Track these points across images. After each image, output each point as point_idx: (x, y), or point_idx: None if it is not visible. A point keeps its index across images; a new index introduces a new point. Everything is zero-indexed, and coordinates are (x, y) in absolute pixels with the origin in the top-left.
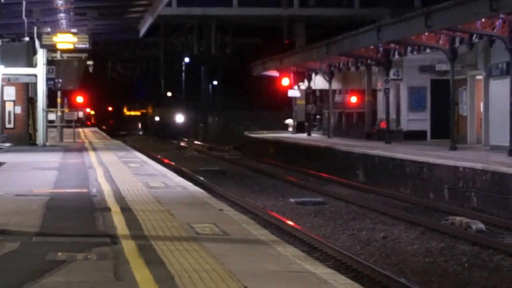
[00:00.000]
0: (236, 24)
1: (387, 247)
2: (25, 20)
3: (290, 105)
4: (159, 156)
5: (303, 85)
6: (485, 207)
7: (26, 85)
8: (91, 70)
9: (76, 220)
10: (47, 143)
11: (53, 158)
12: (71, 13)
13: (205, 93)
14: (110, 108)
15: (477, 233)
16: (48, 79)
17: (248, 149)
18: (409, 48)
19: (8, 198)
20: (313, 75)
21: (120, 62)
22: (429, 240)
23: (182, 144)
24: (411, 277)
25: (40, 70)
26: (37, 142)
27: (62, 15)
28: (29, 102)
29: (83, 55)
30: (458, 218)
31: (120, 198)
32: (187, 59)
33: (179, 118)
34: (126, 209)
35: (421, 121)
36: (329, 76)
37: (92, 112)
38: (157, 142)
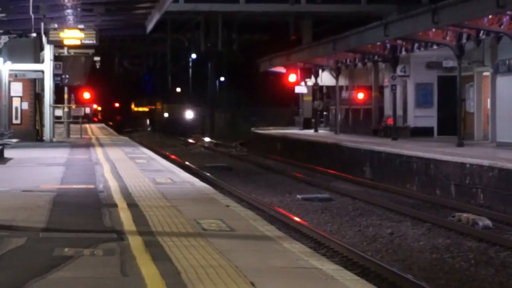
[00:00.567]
0: (243, 20)
1: (394, 244)
2: (32, 16)
3: (297, 102)
4: (166, 152)
5: (310, 82)
6: (492, 204)
7: (33, 81)
8: (98, 66)
9: (83, 216)
10: (54, 139)
11: (60, 154)
12: (78, 9)
13: (212, 89)
14: (117, 104)
15: (483, 230)
16: (55, 75)
17: (254, 145)
18: (416, 45)
19: (15, 194)
20: (320, 71)
21: (127, 58)
22: (435, 237)
23: (189, 140)
24: (418, 273)
25: (47, 66)
26: (44, 138)
27: (69, 11)
28: (36, 98)
29: (90, 51)
30: (464, 215)
31: (127, 194)
32: (194, 55)
33: (189, 114)
34: (132, 205)
35: (428, 117)
36: (336, 73)
37: (99, 108)
38: (164, 138)
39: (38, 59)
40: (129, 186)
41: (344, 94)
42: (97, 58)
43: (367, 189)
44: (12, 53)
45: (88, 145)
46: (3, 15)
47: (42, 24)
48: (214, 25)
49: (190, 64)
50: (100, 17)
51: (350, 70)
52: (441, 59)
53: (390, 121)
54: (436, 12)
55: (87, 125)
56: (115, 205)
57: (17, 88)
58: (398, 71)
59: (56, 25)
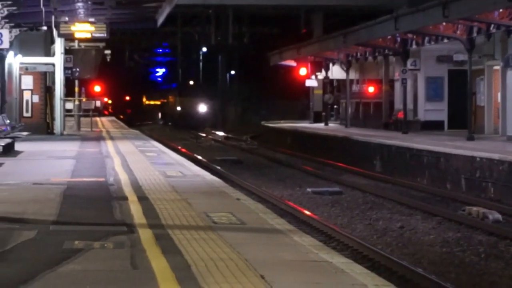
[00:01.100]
0: (253, 14)
1: (404, 237)
2: (43, 9)
3: (307, 95)
4: (176, 146)
5: (321, 75)
6: (502, 197)
7: (44, 74)
8: (108, 59)
9: (93, 209)
10: (65, 132)
11: (71, 147)
12: (89, 2)
13: (223, 83)
14: (127, 98)
15: (494, 224)
16: (65, 68)
17: (265, 138)
18: (426, 38)
19: (26, 187)
20: (331, 65)
21: (137, 52)
22: (446, 230)
23: (199, 133)
24: (428, 267)
25: (57, 59)
26: (55, 131)
27: (80, 4)
28: (47, 91)
29: (101, 44)
30: (475, 208)
31: (137, 187)
32: (204, 49)
33: (202, 108)
34: (143, 198)
35: (439, 111)
36: (347, 66)
37: (110, 102)
38: (174, 131)
39: (48, 52)
40: (140, 179)
41: (355, 87)
42: (107, 52)
43: (377, 182)
44: (23, 46)
45: (98, 138)
46: (14, 8)
47: (53, 17)
48: (225, 18)
49: (201, 57)
50: (111, 11)
51: (360, 63)
52: (451, 52)
53: (400, 115)
54: (447, 5)
55: (97, 118)
56: (125, 198)
57: (28, 81)
58: (409, 65)
59: (67, 18)
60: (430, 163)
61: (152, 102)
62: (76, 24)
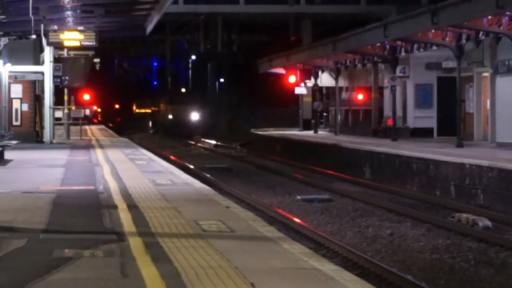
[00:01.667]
0: (242, 21)
1: (394, 244)
2: (32, 18)
3: (296, 102)
4: (166, 154)
5: (310, 83)
6: (491, 204)
7: (33, 82)
8: (97, 68)
9: (83, 217)
10: (54, 141)
11: (60, 156)
12: (78, 11)
13: (212, 90)
14: (117, 106)
15: (483, 230)
16: (55, 77)
17: (254, 146)
18: (415, 45)
19: (15, 195)
20: (320, 72)
21: (127, 60)
22: (435, 237)
23: (189, 141)
24: (418, 274)
25: (47, 68)
26: (44, 140)
27: (68, 12)
28: (36, 99)
29: (90, 53)
30: (464, 215)
31: (126, 195)
32: (193, 57)
33: (194, 116)
34: (132, 206)
35: (428, 118)
36: (336, 74)
37: (99, 110)
38: (164, 139)
39: (38, 61)
40: (129, 187)
41: (344, 95)
42: (97, 60)
43: (367, 189)
44: (12, 55)
45: (88, 146)
46: (2, 17)
47: (42, 25)
48: (214, 26)
49: (190, 65)
50: (100, 19)
51: (349, 71)
52: (440, 59)
53: (389, 122)
54: (436, 12)
55: (87, 127)
56: (115, 206)
57: (17, 90)
58: (398, 72)
59: (56, 27)
60: (420, 170)
61: (142, 110)
62: (65, 32)
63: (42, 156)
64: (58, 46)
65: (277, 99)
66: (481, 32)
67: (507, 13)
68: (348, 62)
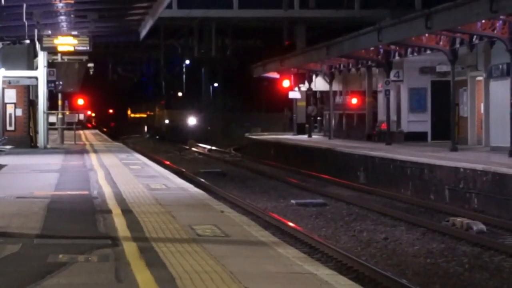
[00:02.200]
0: (237, 26)
1: (388, 248)
2: (26, 23)
3: (290, 107)
4: (160, 159)
5: (304, 87)
6: (486, 208)
7: (27, 87)
8: (91, 73)
9: (77, 222)
10: (48, 146)
11: (54, 161)
12: (72, 16)
13: (206, 95)
14: (111, 111)
15: (478, 234)
16: (48, 82)
17: (248, 150)
18: (409, 50)
19: (9, 201)
20: (314, 76)
21: (120, 64)
22: (430, 241)
23: (183, 146)
24: (412, 278)
25: (40, 73)
26: (38, 145)
27: (62, 17)
28: (30, 104)
29: (84, 58)
30: (459, 219)
31: (121, 200)
32: (187, 61)
33: (192, 120)
34: (127, 211)
35: (422, 122)
36: (330, 78)
37: (93, 115)
38: (158, 144)
39: (31, 66)
40: (123, 192)
41: (338, 99)
42: (90, 65)
43: (361, 194)
44: (6, 60)
45: (82, 151)
46: None
47: (36, 30)
48: (208, 31)
49: (184, 70)
50: (94, 24)
51: (343, 75)
52: (434, 64)
53: (384, 126)
54: (429, 17)
55: (81, 132)
56: (109, 211)
57: (11, 95)
58: (392, 76)
59: (49, 32)
60: (414, 174)
61: (137, 115)
62: (59, 37)
63: (36, 161)
64: (52, 51)
65: (271, 104)
66: (475, 36)
67: (501, 17)
68: (342, 66)
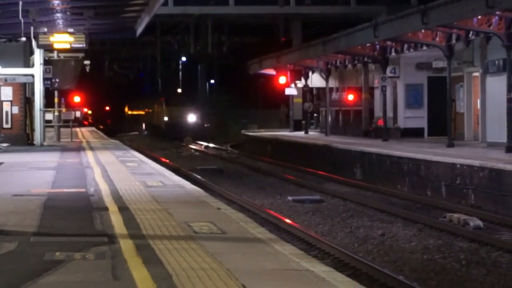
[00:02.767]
0: (233, 23)
1: (385, 245)
2: (22, 20)
3: (287, 103)
4: (157, 156)
5: (300, 83)
6: (482, 204)
7: (23, 85)
8: (88, 70)
9: (74, 220)
10: (45, 143)
11: (51, 158)
12: (68, 13)
13: (202, 91)
14: (107, 108)
15: (475, 230)
16: (45, 79)
17: (245, 147)
18: (405, 46)
19: (6, 198)
20: (310, 73)
21: (117, 62)
22: (427, 237)
23: (180, 143)
24: (409, 274)
25: (37, 70)
26: (35, 142)
27: (58, 15)
28: (27, 102)
29: (80, 55)
30: (455, 215)
31: (117, 197)
32: (184, 58)
33: (191, 118)
34: (123, 208)
35: (418, 118)
36: (326, 74)
37: (90, 112)
38: (154, 141)
39: (28, 63)
40: (120, 190)
41: (334, 95)
42: (87, 62)
43: (358, 190)
44: (2, 58)
45: (78, 148)
46: None
47: (32, 28)
48: (204, 27)
49: (180, 67)
50: (90, 21)
51: (340, 71)
52: (430, 59)
53: (380, 122)
54: (425, 13)
55: (77, 129)
56: (106, 209)
57: (7, 93)
58: (388, 72)
59: (45, 29)
60: (411, 170)
61: (135, 112)
62: (55, 34)
63: (33, 159)
64: (48, 48)
65: (268, 100)
66: (471, 32)
67: (497, 12)
68: (338, 62)
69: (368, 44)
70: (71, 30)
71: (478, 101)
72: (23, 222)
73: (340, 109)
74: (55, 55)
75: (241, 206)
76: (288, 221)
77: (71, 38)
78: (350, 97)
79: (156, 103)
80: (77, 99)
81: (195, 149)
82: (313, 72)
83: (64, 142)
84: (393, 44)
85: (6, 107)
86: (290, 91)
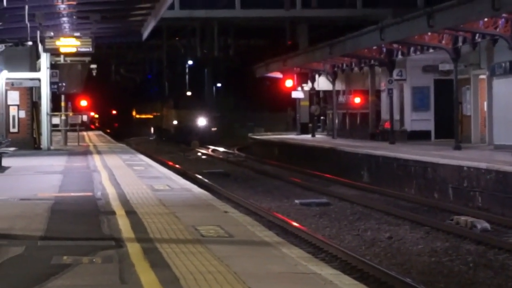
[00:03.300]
0: (239, 26)
1: (392, 247)
2: (28, 25)
3: (294, 107)
4: (163, 159)
5: (307, 86)
6: (489, 206)
7: (30, 89)
8: (94, 74)
9: (81, 224)
10: (52, 147)
11: (58, 162)
12: (74, 17)
13: (209, 95)
14: (114, 112)
15: (482, 233)
16: (51, 83)
17: (252, 150)
18: (412, 48)
19: (13, 203)
20: (317, 76)
21: (123, 65)
22: (434, 240)
23: (187, 147)
24: (417, 277)
25: (43, 74)
26: (42, 146)
27: (65, 19)
28: (33, 106)
29: (86, 59)
30: (463, 218)
31: (125, 201)
32: (190, 62)
33: (201, 121)
34: (131, 212)
35: (425, 121)
36: (333, 77)
37: (96, 116)
38: (161, 145)
39: (34, 68)
40: (127, 193)
41: (341, 98)
42: (93, 66)
43: (365, 193)
44: (9, 62)
45: (85, 152)
46: None
47: (38, 32)
48: (210, 31)
49: (187, 70)
50: (96, 25)
51: (346, 74)
52: (437, 62)
53: (387, 125)
54: (432, 15)
55: (84, 133)
56: (113, 213)
57: (14, 97)
58: (395, 75)
59: (52, 33)
60: (417, 173)
61: (143, 116)
62: (61, 39)
63: (40, 163)
64: (55, 52)
65: (274, 104)
66: (477, 35)
67: (503, 15)
68: (345, 65)
69: (374, 47)
70: (77, 34)
71: (485, 103)
72: (30, 226)
73: (346, 112)
74: (61, 59)
75: (248, 210)
76: (295, 224)
77: (77, 42)
78: (357, 100)
79: (165, 106)
80: (83, 103)
81: (201, 153)
82: (319, 75)
83: (71, 146)
84: (400, 47)
85: (13, 111)
86: (297, 94)
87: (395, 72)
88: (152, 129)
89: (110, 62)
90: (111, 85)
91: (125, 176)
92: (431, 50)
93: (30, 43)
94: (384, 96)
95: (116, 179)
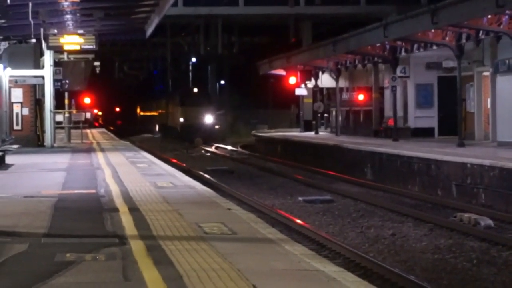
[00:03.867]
0: (243, 23)
1: (396, 245)
2: (32, 22)
3: (297, 104)
4: (167, 157)
5: (310, 84)
6: (493, 203)
7: (34, 86)
8: (98, 71)
9: (85, 221)
10: (55, 145)
11: (61, 159)
12: (77, 14)
13: (213, 92)
14: (117, 109)
15: (485, 229)
16: (55, 81)
17: (255, 148)
18: (415, 45)
19: (17, 200)
20: (320, 73)
21: (127, 63)
22: (437, 237)
23: (190, 144)
24: (420, 274)
25: (47, 72)
26: (45, 144)
27: (68, 16)
28: (37, 103)
29: (90, 56)
30: (466, 215)
31: (128, 199)
32: (194, 59)
33: (208, 119)
34: (134, 209)
35: (429, 118)
36: (336, 74)
37: (100, 113)
38: (165, 142)
39: (38, 65)
40: (131, 191)
41: (345, 95)
42: (97, 63)
43: (369, 190)
44: (12, 59)
45: (89, 150)
46: (2, 21)
47: (42, 29)
48: (214, 28)
49: (190, 67)
50: (100, 22)
51: (350, 71)
52: (441, 59)
53: (390, 122)
54: (435, 12)
55: (87, 130)
56: (116, 210)
57: (17, 94)
58: (398, 72)
59: (55, 31)
60: (421, 170)
61: (148, 113)
62: (65, 36)
63: (43, 160)
64: (58, 50)
65: (278, 101)
66: (481, 31)
67: (507, 12)
68: (348, 62)
69: (378, 44)
70: (81, 31)
71: (489, 100)
72: (34, 223)
73: (350, 109)
74: (65, 56)
75: (252, 207)
76: (298, 221)
77: (81, 40)
78: (360, 97)
79: (171, 103)
80: (87, 100)
81: (205, 150)
82: (323, 72)
83: (74, 144)
84: (403, 44)
85: (17, 108)
86: (300, 91)
87: (398, 69)
88: (157, 127)
89: (114, 59)
90: (115, 82)
91: (129, 173)
92: (434, 47)
93: (33, 40)
94: (387, 93)
95: (120, 177)
